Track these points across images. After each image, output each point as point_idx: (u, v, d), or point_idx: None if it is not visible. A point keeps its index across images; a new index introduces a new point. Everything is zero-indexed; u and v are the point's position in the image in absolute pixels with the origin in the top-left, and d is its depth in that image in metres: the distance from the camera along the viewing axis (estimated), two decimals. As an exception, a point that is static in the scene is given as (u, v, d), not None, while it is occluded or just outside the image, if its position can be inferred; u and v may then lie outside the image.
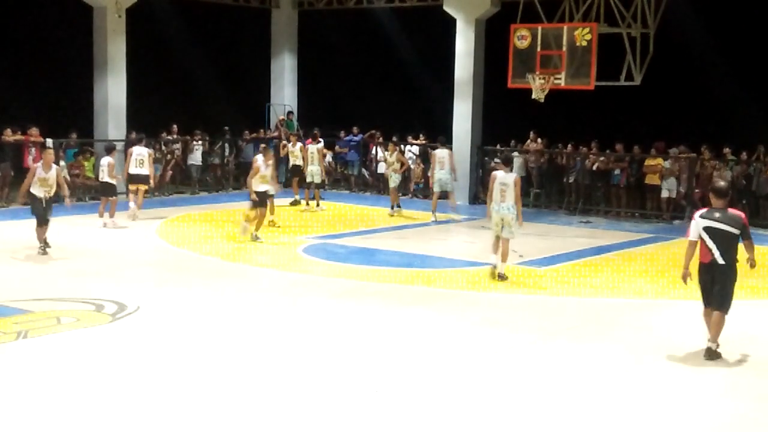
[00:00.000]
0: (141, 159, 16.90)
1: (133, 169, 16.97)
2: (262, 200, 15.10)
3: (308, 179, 19.63)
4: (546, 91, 17.69)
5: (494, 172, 12.64)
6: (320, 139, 19.88)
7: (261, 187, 15.03)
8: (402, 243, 15.25)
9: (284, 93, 25.01)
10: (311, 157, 19.56)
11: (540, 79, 17.63)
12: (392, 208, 18.70)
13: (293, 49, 25.15)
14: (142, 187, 17.16)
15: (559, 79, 17.49)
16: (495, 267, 12.28)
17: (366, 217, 18.49)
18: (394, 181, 18.85)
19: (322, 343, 8.93)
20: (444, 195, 18.22)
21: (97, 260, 13.07)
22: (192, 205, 19.79)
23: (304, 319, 9.96)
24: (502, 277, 12.16)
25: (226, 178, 23.24)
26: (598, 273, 13.06)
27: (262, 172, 15.10)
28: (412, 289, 11.67)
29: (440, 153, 18.23)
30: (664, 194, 19.33)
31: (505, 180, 12.25)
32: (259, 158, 15.28)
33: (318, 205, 19.48)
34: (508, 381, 7.92)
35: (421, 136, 22.75)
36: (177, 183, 22.52)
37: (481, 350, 8.86)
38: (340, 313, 10.27)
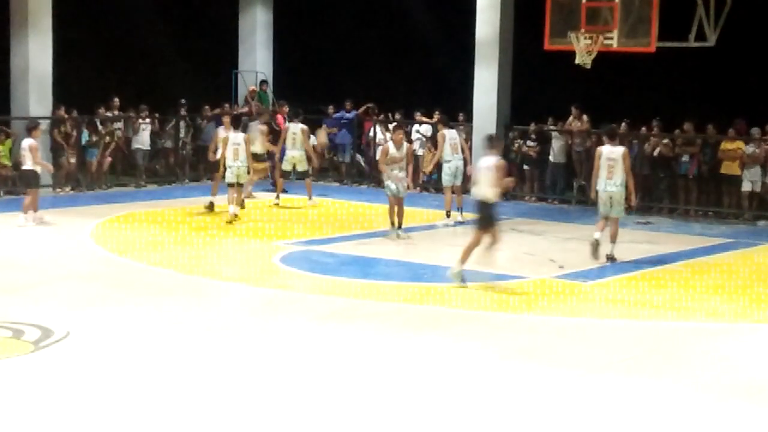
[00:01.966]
0: (24, 153, 16.75)
1: (26, 165, 16.91)
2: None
3: (286, 167, 19.66)
4: (594, 54, 17.66)
5: (599, 148, 14.98)
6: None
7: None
8: (408, 250, 15.23)
9: (256, 57, 25.00)
10: (293, 138, 19.53)
11: (586, 38, 17.60)
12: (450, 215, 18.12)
13: (268, 1, 25.11)
14: (32, 191, 16.73)
15: (611, 38, 17.47)
16: (597, 241, 14.32)
17: (361, 216, 18.45)
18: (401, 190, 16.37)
19: (303, 382, 8.89)
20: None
21: (15, 272, 13.01)
22: (137, 201, 19.79)
23: (280, 348, 9.91)
24: (610, 258, 14.29)
25: (180, 166, 23.22)
26: (661, 289, 13.04)
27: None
28: (421, 310, 11.64)
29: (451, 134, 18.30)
30: (746, 187, 19.32)
31: (612, 155, 14.46)
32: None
33: (311, 198, 19.57)
34: (548, 428, 7.88)
35: (436, 113, 22.71)
36: (118, 173, 22.49)
37: (513, 389, 8.82)
38: (327, 341, 10.22)
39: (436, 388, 8.77)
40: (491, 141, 13.54)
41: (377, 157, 23.10)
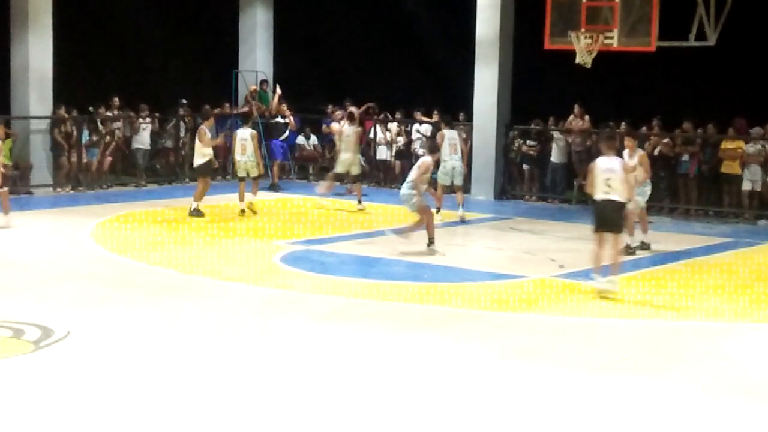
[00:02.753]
0: None
1: None
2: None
3: (340, 170, 19.66)
4: (594, 54, 17.66)
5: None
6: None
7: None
8: (408, 250, 15.19)
9: (256, 56, 24.96)
10: (347, 141, 19.56)
11: (586, 38, 17.59)
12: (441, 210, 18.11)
13: (268, 1, 25.09)
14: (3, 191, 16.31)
15: (611, 38, 17.46)
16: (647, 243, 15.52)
17: (361, 216, 18.45)
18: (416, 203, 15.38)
19: (303, 381, 8.88)
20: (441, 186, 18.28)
21: (15, 272, 13.02)
22: (137, 201, 19.78)
23: (279, 348, 9.91)
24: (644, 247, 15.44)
25: (180, 165, 23.21)
26: (661, 288, 13.02)
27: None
28: (421, 310, 11.64)
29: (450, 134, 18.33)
30: (746, 186, 19.31)
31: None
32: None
33: (360, 202, 19.42)
34: (547, 428, 7.88)
35: (435, 113, 22.70)
36: (118, 172, 22.49)
37: (512, 388, 8.82)
38: (327, 340, 10.22)
39: (436, 388, 8.76)
40: (608, 140, 13.00)
41: (378, 157, 23.24)
